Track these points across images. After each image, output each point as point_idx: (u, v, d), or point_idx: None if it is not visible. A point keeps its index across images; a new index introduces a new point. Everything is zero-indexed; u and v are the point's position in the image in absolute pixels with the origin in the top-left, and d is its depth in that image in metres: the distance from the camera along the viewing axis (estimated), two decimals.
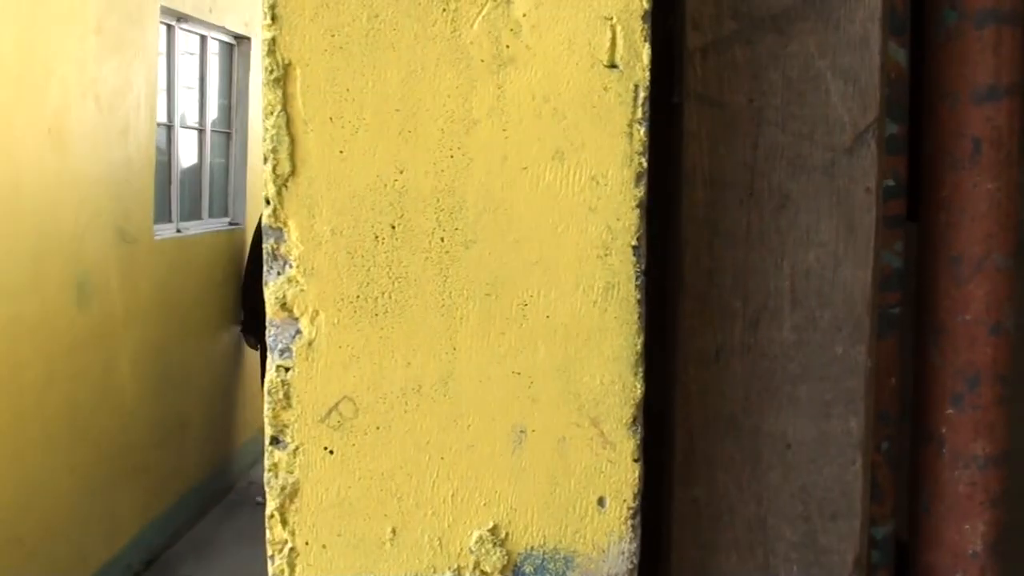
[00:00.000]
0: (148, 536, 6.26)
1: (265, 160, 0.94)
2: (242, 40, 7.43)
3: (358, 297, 0.95)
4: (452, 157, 0.94)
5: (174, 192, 6.52)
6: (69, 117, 5.28)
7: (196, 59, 6.90)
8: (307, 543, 0.96)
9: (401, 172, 0.94)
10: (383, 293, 0.95)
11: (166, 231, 6.38)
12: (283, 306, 0.95)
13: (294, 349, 0.95)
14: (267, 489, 0.96)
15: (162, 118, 6.31)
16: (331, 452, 0.96)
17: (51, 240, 5.21)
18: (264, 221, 0.95)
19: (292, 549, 0.96)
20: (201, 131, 6.93)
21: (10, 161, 4.86)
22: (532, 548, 0.97)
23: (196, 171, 7.00)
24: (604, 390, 0.97)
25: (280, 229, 0.95)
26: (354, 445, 0.96)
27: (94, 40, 5.44)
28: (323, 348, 0.95)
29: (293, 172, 0.94)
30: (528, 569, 0.97)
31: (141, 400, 6.14)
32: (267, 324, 0.96)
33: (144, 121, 5.95)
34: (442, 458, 0.96)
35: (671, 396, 1.06)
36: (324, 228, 0.94)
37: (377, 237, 0.95)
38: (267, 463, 0.96)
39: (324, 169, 0.94)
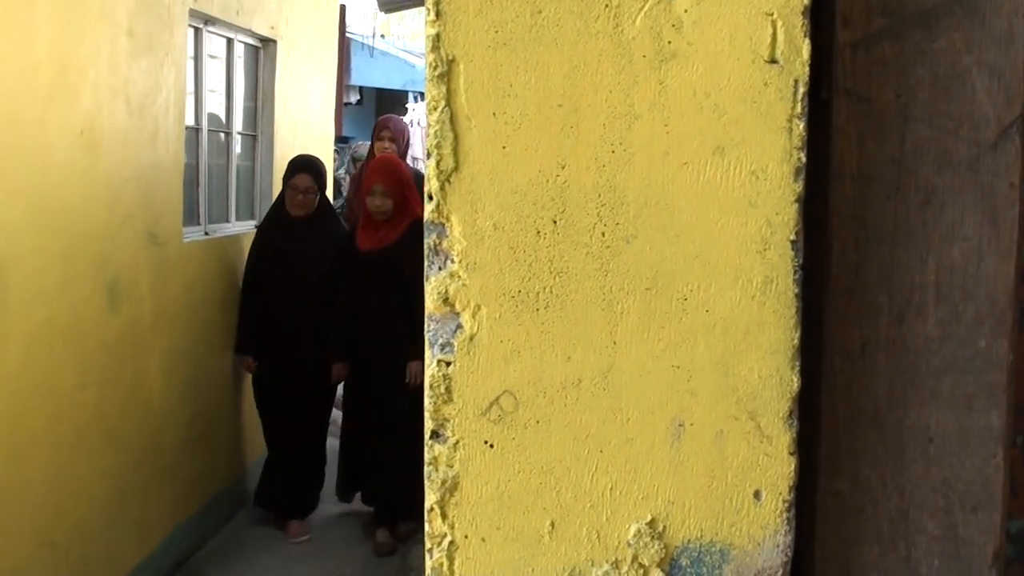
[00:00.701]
0: (177, 539, 6.26)
1: (428, 155, 0.95)
2: (268, 43, 7.43)
3: (519, 292, 0.95)
4: (614, 152, 0.95)
5: (201, 195, 6.52)
6: (101, 119, 5.28)
7: (222, 62, 6.91)
8: (466, 536, 0.97)
9: (563, 167, 0.95)
10: (544, 288, 0.95)
11: (194, 233, 6.38)
12: (445, 301, 0.95)
13: (455, 344, 0.96)
14: (427, 483, 0.96)
15: (189, 121, 6.31)
16: (491, 446, 0.96)
17: (82, 242, 5.21)
18: (426, 217, 0.95)
19: (451, 542, 0.97)
20: (228, 134, 6.94)
21: (43, 163, 4.86)
22: (689, 541, 0.98)
23: (223, 174, 7.00)
24: (762, 384, 0.97)
25: (442, 224, 0.95)
26: (514, 439, 0.96)
27: (125, 42, 5.44)
28: (484, 343, 0.96)
29: (456, 167, 0.95)
30: (685, 562, 0.98)
31: (170, 403, 6.14)
32: (427, 319, 0.96)
33: (173, 123, 5.95)
34: (601, 451, 0.96)
35: (816, 390, 1.06)
36: (487, 223, 0.95)
37: (539, 232, 0.95)
38: (427, 457, 0.96)
39: (487, 164, 0.95)
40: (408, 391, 6.41)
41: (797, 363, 0.97)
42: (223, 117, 6.98)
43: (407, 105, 13.91)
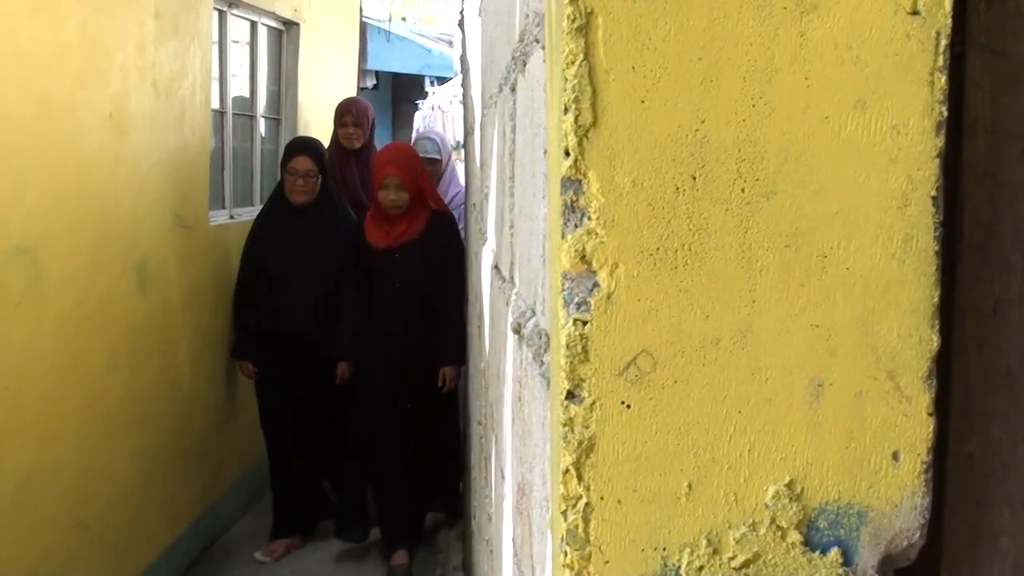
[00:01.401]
0: (205, 522, 6.26)
1: (565, 111, 0.93)
2: (291, 26, 7.41)
3: (658, 249, 0.94)
4: (754, 106, 0.93)
5: (227, 178, 6.52)
6: (128, 103, 5.27)
7: (246, 45, 6.89)
8: (602, 498, 0.95)
9: (702, 122, 0.93)
10: (683, 245, 0.94)
11: (220, 217, 6.37)
12: (582, 259, 0.94)
13: (592, 302, 0.94)
14: (562, 444, 0.94)
15: (215, 104, 6.30)
16: (628, 406, 0.95)
17: (112, 226, 5.21)
18: (563, 173, 0.93)
19: (587, 504, 0.95)
20: (252, 117, 6.93)
21: (73, 147, 4.85)
22: (827, 503, 0.96)
23: (247, 157, 7.00)
24: (901, 343, 0.95)
25: (579, 181, 0.93)
26: (651, 399, 0.95)
27: (152, 25, 5.43)
28: (622, 301, 0.94)
29: (595, 123, 0.93)
30: (822, 524, 0.96)
31: (198, 386, 6.14)
32: (562, 277, 0.94)
33: (199, 107, 5.94)
34: (739, 412, 0.95)
35: (947, 350, 1.04)
36: (625, 179, 0.93)
37: (678, 188, 0.93)
38: (562, 418, 0.95)
39: (625, 119, 0.93)
40: (434, 399, 5.97)
41: (936, 322, 0.96)
42: (247, 100, 6.96)
43: (425, 89, 13.88)
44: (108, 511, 5.29)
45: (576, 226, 0.93)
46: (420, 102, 12.70)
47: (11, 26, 4.37)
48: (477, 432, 3.89)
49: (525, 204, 1.78)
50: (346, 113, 7.06)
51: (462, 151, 12.75)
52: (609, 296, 0.94)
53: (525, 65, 1.80)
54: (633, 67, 0.92)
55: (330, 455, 6.51)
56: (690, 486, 0.95)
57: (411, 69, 13.91)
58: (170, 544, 5.97)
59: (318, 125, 7.85)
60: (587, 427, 0.94)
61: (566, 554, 0.95)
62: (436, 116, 11.11)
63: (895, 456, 0.96)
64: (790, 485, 0.95)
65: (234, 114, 6.68)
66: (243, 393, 6.74)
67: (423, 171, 6.14)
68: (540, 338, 1.48)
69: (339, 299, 6.14)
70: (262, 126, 7.15)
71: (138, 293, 5.45)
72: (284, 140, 7.35)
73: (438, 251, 5.96)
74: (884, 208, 0.94)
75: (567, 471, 0.95)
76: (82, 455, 5.03)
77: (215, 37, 6.33)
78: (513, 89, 2.04)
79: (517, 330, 1.78)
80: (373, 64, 12.93)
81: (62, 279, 4.79)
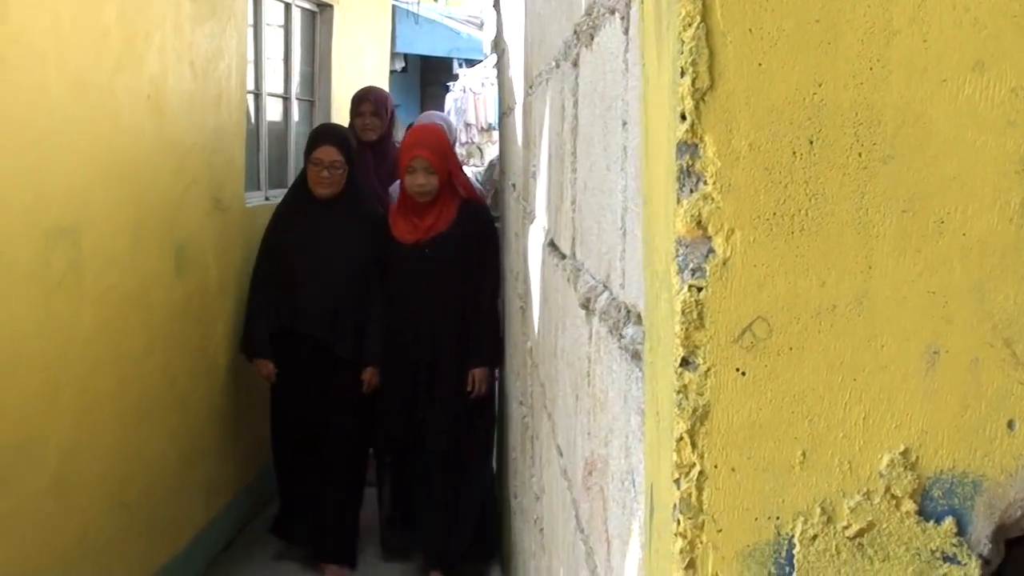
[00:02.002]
0: (241, 502, 6.29)
1: (682, 74, 0.92)
2: (324, 8, 7.41)
3: (774, 214, 0.93)
4: (871, 69, 0.92)
5: (262, 160, 6.53)
6: (166, 84, 5.27)
7: (280, 28, 6.89)
8: (716, 466, 0.94)
9: (819, 85, 0.92)
10: (799, 210, 0.93)
11: (256, 199, 6.38)
12: (698, 224, 0.93)
13: (707, 268, 0.93)
14: (676, 411, 0.94)
15: (250, 86, 6.31)
16: (743, 374, 0.94)
17: (150, 207, 5.22)
18: (679, 137, 0.92)
19: (701, 472, 0.94)
20: (286, 99, 6.93)
21: (113, 128, 4.86)
22: (941, 472, 0.95)
23: (282, 139, 7.01)
24: (1017, 310, 0.94)
25: (695, 145, 0.92)
26: (766, 366, 0.94)
27: (189, 6, 5.43)
28: (737, 267, 0.93)
29: (711, 86, 0.92)
30: (937, 493, 0.95)
31: (233, 368, 6.15)
32: (676, 243, 0.93)
33: (235, 88, 5.95)
34: (855, 380, 0.94)
35: None
36: (742, 143, 0.92)
37: (795, 152, 0.92)
38: (676, 385, 0.94)
39: (742, 82, 0.92)
40: (465, 405, 5.57)
41: None
42: (281, 82, 6.96)
43: (454, 72, 13.86)
44: (146, 491, 5.32)
45: (692, 191, 0.92)
46: (451, 84, 12.69)
47: (52, 9, 4.38)
48: (520, 412, 3.89)
49: (593, 178, 1.77)
50: (363, 102, 6.64)
51: (493, 133, 12.81)
52: (725, 262, 0.93)
53: (593, 38, 1.79)
54: (750, 29, 0.91)
55: (359, 470, 6.06)
56: (804, 454, 0.94)
57: (439, 52, 13.88)
58: (206, 524, 6.00)
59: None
60: (701, 394, 0.94)
61: (679, 523, 0.94)
62: (467, 98, 11.10)
63: (1010, 425, 0.95)
64: (905, 454, 0.94)
65: (269, 96, 6.68)
66: None
67: (454, 154, 5.75)
68: (618, 311, 1.47)
69: (364, 299, 5.72)
70: (296, 108, 7.15)
71: (176, 274, 5.47)
72: (318, 122, 7.36)
73: (471, 244, 5.53)
74: (1002, 172, 0.93)
75: (681, 439, 0.94)
76: (120, 436, 5.06)
77: (250, 19, 6.33)
78: (575, 64, 2.03)
79: (586, 306, 1.77)
80: (401, 47, 12.93)
81: (102, 260, 4.81)
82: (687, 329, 0.93)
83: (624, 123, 1.45)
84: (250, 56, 6.35)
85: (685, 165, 0.92)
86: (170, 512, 5.57)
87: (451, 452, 5.60)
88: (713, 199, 0.92)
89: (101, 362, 4.83)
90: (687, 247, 0.93)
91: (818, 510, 0.95)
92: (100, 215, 4.78)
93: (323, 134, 5.90)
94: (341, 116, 7.54)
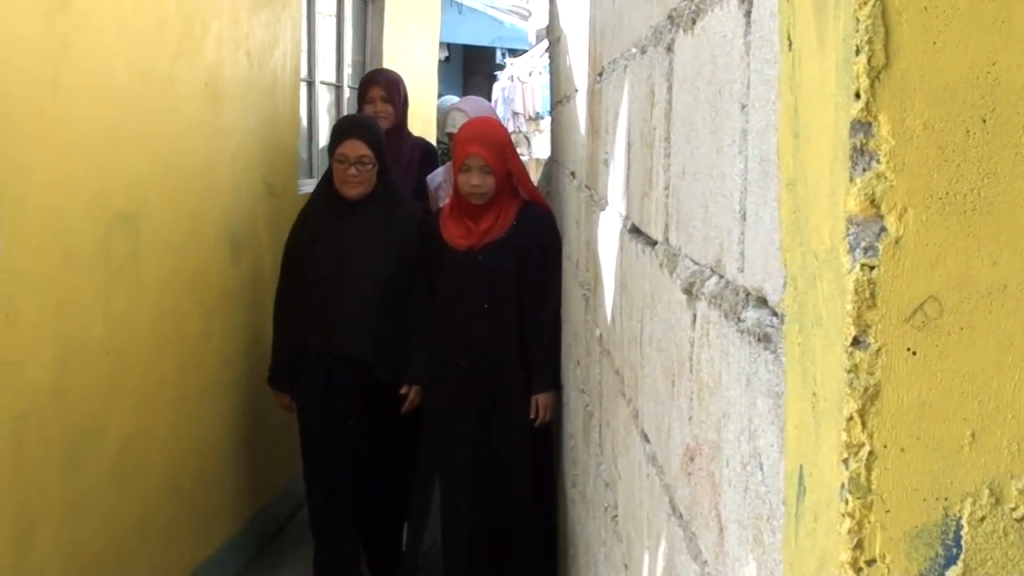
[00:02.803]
0: (294, 489, 6.32)
1: (857, 52, 0.91)
2: None
3: (947, 193, 0.92)
4: None
5: (315, 148, 6.56)
6: (223, 72, 5.31)
7: (333, 17, 6.91)
8: (885, 446, 0.94)
9: (993, 64, 0.91)
10: (972, 189, 0.92)
11: (308, 186, 6.41)
12: (871, 202, 0.92)
13: (879, 247, 0.93)
14: (847, 391, 0.93)
15: (303, 74, 6.33)
16: (914, 353, 0.93)
17: (207, 194, 5.26)
18: (852, 116, 0.92)
19: (870, 452, 0.94)
20: (338, 87, 6.96)
21: (172, 117, 4.90)
22: None
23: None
24: None
25: (869, 123, 0.92)
26: (937, 346, 0.93)
27: None
28: (910, 246, 0.92)
29: (886, 64, 0.91)
30: None
31: None
32: (847, 222, 0.93)
33: (290, 76, 5.98)
34: None
35: None
36: (915, 122, 0.92)
37: (968, 132, 0.92)
38: (846, 364, 0.93)
39: (917, 61, 0.91)
40: (525, 434, 4.97)
41: None
42: (334, 71, 6.99)
43: (497, 61, 13.86)
44: (202, 476, 5.36)
45: (864, 170, 0.92)
46: (498, 73, 12.69)
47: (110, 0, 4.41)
48: (580, 401, 3.89)
49: (696, 164, 1.76)
50: (373, 86, 5.97)
51: (540, 122, 12.81)
52: (897, 241, 0.92)
53: (695, 23, 1.79)
54: (925, 7, 0.91)
55: (402, 509, 5.46)
56: (973, 435, 0.94)
57: (483, 41, 13.85)
58: (258, 510, 6.05)
59: None
60: (872, 374, 0.93)
61: (847, 503, 0.94)
62: (515, 87, 11.08)
63: None
64: None
65: (321, 84, 6.71)
66: None
67: (514, 150, 5.19)
68: (735, 295, 1.47)
69: (404, 313, 5.14)
70: (347, 96, 7.18)
71: (232, 261, 5.51)
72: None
73: (532, 251, 4.98)
74: None
75: (851, 419, 0.94)
76: (177, 422, 5.10)
77: (303, 8, 6.36)
78: (669, 49, 2.02)
79: (689, 291, 1.77)
80: (444, 36, 12.93)
81: (160, 247, 4.85)
82: (859, 308, 0.93)
83: (743, 106, 1.45)
84: (303, 45, 6.37)
85: (859, 144, 0.92)
86: (223, 498, 5.62)
87: (507, 485, 5.02)
88: (886, 178, 0.92)
89: (161, 348, 4.87)
90: (859, 226, 0.93)
91: (986, 491, 0.94)
92: (158, 202, 4.81)
93: (347, 126, 5.28)
94: None
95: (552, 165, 6.23)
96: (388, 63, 7.44)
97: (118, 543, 4.66)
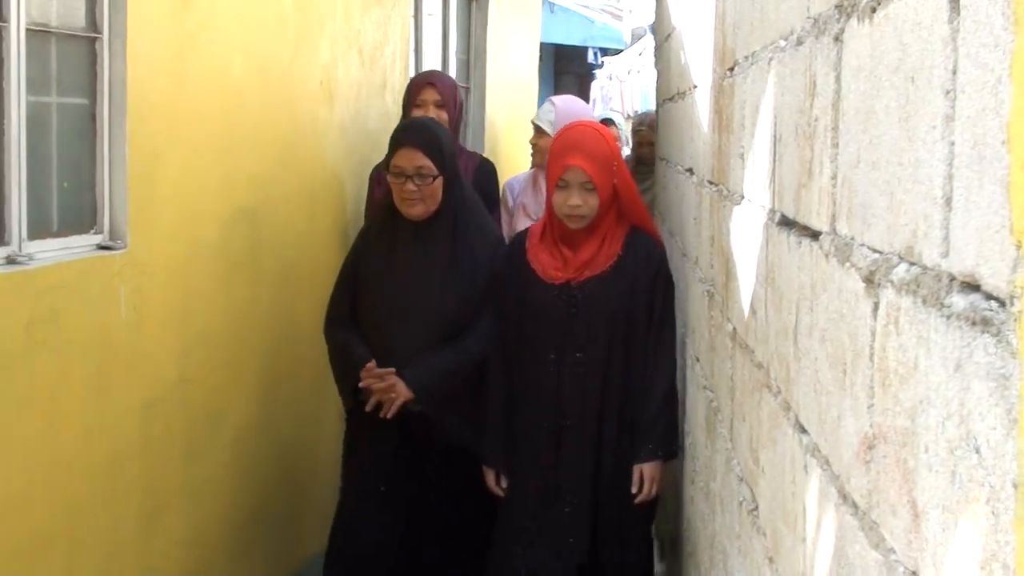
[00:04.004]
0: None
1: None
2: None
3: None
4: None
5: None
6: (337, 70, 5.38)
7: (438, 16, 6.97)
8: None
9: None
10: None
11: None
12: None
13: None
14: None
15: (411, 72, 6.40)
16: None
17: (321, 190, 5.34)
18: None
19: None
20: None
21: (289, 114, 4.98)
22: None
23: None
24: None
25: None
26: None
27: None
28: None
29: None
30: None
31: None
32: None
33: (399, 74, 6.04)
34: None
35: None
36: None
37: None
38: None
39: None
40: (626, 511, 4.15)
41: None
42: (439, 69, 7.05)
43: (588, 61, 13.86)
44: (314, 471, 5.44)
45: None
46: (596, 72, 12.72)
47: None
48: (703, 397, 3.89)
49: (877, 152, 1.76)
50: (424, 88, 5.23)
51: (630, 120, 12.80)
52: None
53: (875, 11, 1.79)
54: None
55: None
56: None
57: (574, 40, 13.84)
58: None
59: (504, 96, 7.91)
60: None
61: None
62: (614, 86, 11.09)
63: None
64: None
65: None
66: None
67: (622, 163, 4.32)
68: (937, 281, 1.47)
69: (479, 361, 4.31)
70: None
71: (343, 257, 5.57)
72: (472, 109, 7.43)
73: (642, 289, 4.18)
74: None
75: None
76: (293, 416, 5.18)
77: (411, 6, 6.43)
78: (837, 39, 2.03)
79: (870, 279, 1.77)
80: None
81: (277, 242, 4.93)
82: None
83: (947, 92, 1.45)
84: (411, 43, 6.44)
85: None
86: (332, 492, 5.68)
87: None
88: None
89: (278, 341, 4.95)
90: None
91: None
92: (276, 198, 4.89)
93: (404, 134, 4.49)
94: (495, 104, 7.60)
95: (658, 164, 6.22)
96: (491, 63, 7.49)
97: (236, 531, 4.75)
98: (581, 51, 14.54)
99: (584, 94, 12.53)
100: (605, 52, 13.30)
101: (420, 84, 5.33)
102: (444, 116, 5.16)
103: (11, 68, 3.57)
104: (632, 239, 4.19)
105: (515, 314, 4.23)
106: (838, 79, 2.03)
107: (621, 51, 12.37)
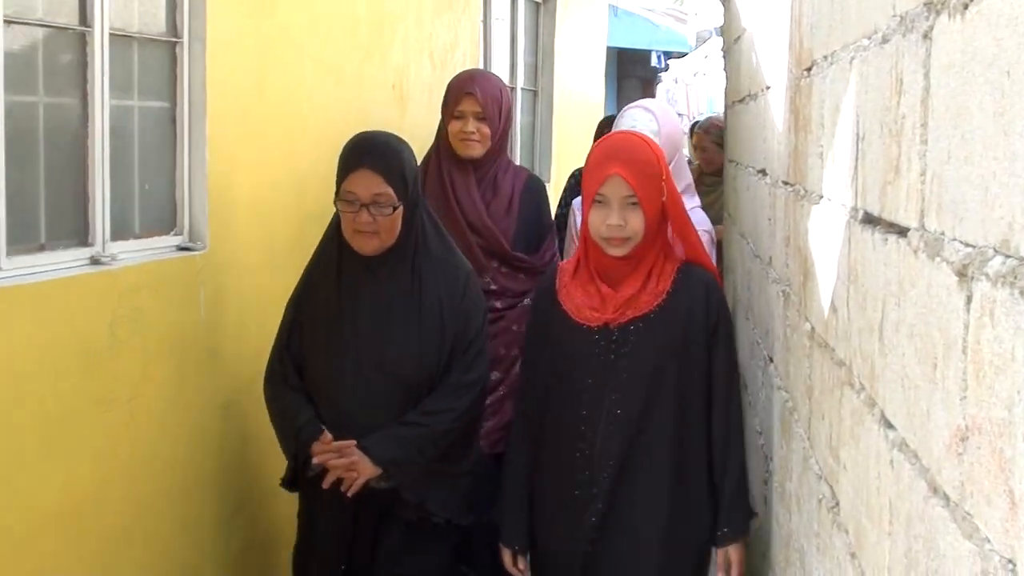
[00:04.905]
0: None
1: None
2: None
3: None
4: None
5: None
6: (408, 73, 5.44)
7: (506, 21, 7.02)
8: None
9: None
10: None
11: None
12: None
13: None
14: None
15: None
16: None
17: None
18: None
19: None
20: (512, 89, 7.06)
21: (362, 117, 5.04)
22: None
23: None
24: None
25: None
26: None
27: None
28: None
29: None
30: None
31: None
32: None
33: None
34: None
35: None
36: None
37: None
38: None
39: None
40: None
41: None
42: (507, 73, 7.10)
43: (651, 64, 13.87)
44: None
45: None
46: (662, 75, 12.73)
47: (307, 3, 4.56)
48: (778, 397, 3.89)
49: (970, 147, 1.77)
50: (465, 96, 4.60)
51: (693, 124, 12.74)
52: None
53: (967, 8, 1.80)
54: None
55: None
56: None
57: (638, 44, 13.85)
58: None
59: (570, 100, 7.94)
60: None
61: None
62: (680, 89, 11.08)
63: None
64: None
65: None
66: None
67: (672, 182, 3.55)
68: None
69: (451, 424, 3.75)
70: (520, 98, 7.28)
71: None
72: (540, 112, 7.47)
73: (696, 334, 3.53)
74: None
75: None
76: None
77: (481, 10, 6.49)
78: (926, 36, 2.04)
79: (963, 273, 1.78)
80: None
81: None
82: None
83: None
84: (480, 47, 6.50)
85: None
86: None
87: None
88: None
89: None
90: None
91: None
92: None
93: (359, 154, 3.75)
94: (563, 107, 7.63)
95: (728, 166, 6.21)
96: (559, 66, 7.52)
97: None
98: (644, 55, 14.55)
99: (648, 97, 12.52)
100: (669, 56, 13.31)
101: (459, 92, 4.71)
102: (486, 130, 4.64)
103: (95, 72, 3.66)
104: (685, 274, 3.51)
105: (546, 365, 3.55)
106: (927, 76, 2.04)
107: (685, 54, 12.36)
